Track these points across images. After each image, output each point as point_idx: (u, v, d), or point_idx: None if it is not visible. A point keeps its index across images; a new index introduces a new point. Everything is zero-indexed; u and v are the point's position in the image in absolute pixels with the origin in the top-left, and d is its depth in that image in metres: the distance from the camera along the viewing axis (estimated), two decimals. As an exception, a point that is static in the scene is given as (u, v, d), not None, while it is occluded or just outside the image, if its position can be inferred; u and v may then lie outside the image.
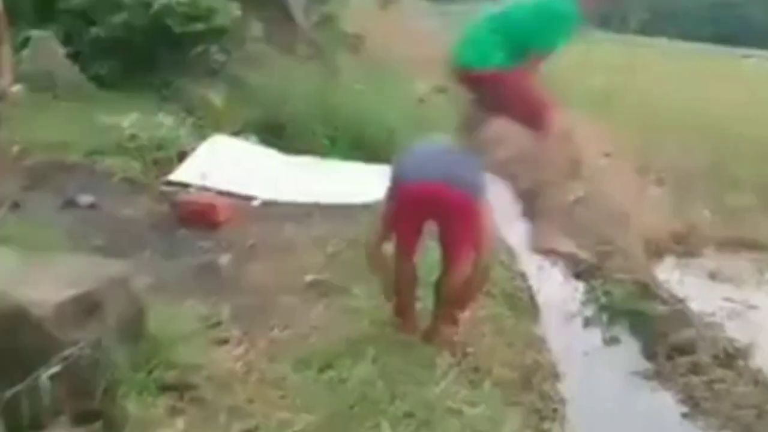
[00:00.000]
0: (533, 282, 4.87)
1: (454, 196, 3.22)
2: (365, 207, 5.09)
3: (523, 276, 4.93)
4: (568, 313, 4.46)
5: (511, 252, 5.30)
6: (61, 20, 7.84)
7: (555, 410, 3.27)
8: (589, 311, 4.48)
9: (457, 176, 3.25)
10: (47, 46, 7.55)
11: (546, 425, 3.11)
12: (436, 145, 3.53)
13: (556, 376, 3.65)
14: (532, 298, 4.60)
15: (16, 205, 4.50)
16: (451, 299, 3.47)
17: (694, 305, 4.59)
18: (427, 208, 3.31)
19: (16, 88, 5.09)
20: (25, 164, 5.45)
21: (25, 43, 7.44)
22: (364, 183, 5.75)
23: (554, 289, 4.84)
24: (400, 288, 3.52)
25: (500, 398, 3.16)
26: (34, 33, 7.51)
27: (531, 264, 5.23)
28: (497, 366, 3.43)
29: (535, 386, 3.41)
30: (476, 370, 3.35)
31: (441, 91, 11.57)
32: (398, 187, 3.35)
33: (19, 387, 2.32)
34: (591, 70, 11.48)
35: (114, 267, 3.03)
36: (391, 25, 16.45)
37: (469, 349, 3.50)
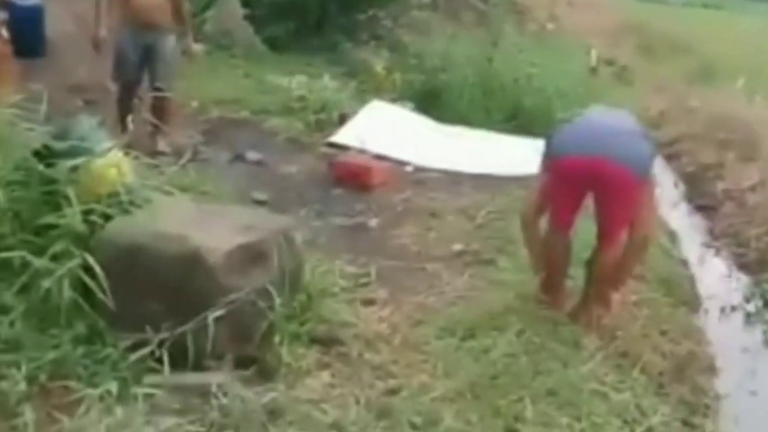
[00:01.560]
0: (694, 270, 4.60)
1: (613, 171, 3.09)
2: (515, 179, 5.03)
3: (684, 263, 4.67)
4: (729, 306, 4.18)
5: (672, 237, 5.03)
6: (244, -18, 8.31)
7: (707, 405, 3.10)
8: (752, 306, 4.17)
9: (619, 151, 3.10)
10: (229, 7, 8.05)
11: (696, 420, 2.95)
12: (599, 117, 3.38)
13: (712, 370, 3.46)
14: (692, 286, 4.35)
15: (196, 152, 4.89)
16: (604, 278, 3.36)
17: None
18: (585, 183, 3.21)
19: (198, 46, 5.51)
20: (201, 118, 5.89)
21: (210, 3, 7.98)
22: (516, 155, 5.68)
23: (716, 279, 4.55)
24: (552, 263, 3.44)
25: (649, 386, 3.05)
26: (220, -6, 8.03)
27: (693, 251, 4.94)
28: (648, 353, 3.29)
29: (687, 378, 3.24)
30: (625, 354, 3.23)
31: (609, 63, 11.09)
32: (556, 161, 3.26)
33: (186, 327, 2.52)
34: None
35: (279, 220, 3.23)
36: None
37: (619, 333, 3.38)
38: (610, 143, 3.12)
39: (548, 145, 3.34)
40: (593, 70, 6.37)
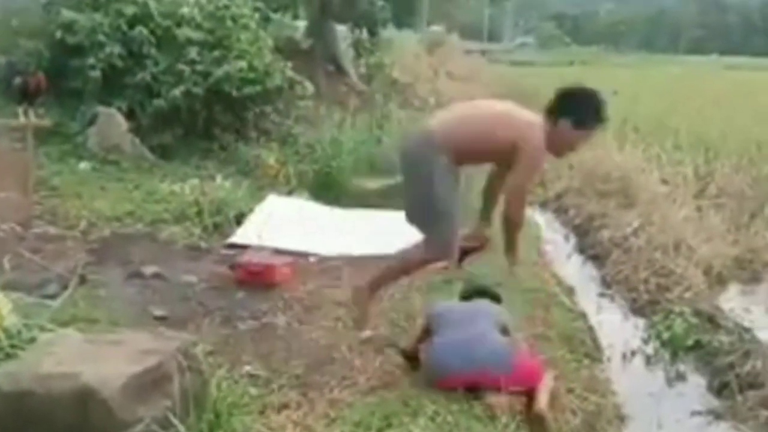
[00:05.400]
0: (593, 321, 4.79)
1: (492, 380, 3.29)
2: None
3: (583, 316, 4.85)
4: (629, 352, 4.36)
5: (570, 291, 5.23)
6: (126, 95, 8.30)
7: (620, 457, 3.20)
8: (650, 348, 4.37)
9: (487, 361, 3.32)
10: (112, 120, 7.98)
11: (612, 473, 3.04)
12: (458, 329, 3.53)
13: (620, 419, 3.58)
14: (592, 338, 4.52)
15: (83, 280, 4.71)
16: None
17: (763, 335, 4.42)
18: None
19: (82, 165, 5.39)
20: (91, 238, 5.74)
21: (93, 119, 7.90)
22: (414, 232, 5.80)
23: (614, 327, 4.74)
24: None
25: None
26: (101, 109, 7.96)
27: (590, 302, 5.14)
28: (558, 414, 3.38)
29: (599, 432, 3.35)
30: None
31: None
32: (436, 380, 3.46)
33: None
34: (642, 95, 11.34)
35: (179, 338, 3.14)
36: (439, 67, 16.70)
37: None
38: (474, 354, 3.33)
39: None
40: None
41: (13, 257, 4.76)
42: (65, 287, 3.95)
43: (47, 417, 2.52)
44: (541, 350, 3.91)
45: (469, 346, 3.37)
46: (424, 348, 3.62)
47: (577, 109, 3.46)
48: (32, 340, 2.82)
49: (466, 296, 3.87)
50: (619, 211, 6.67)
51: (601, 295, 5.39)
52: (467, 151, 3.55)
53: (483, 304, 3.72)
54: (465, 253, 4.10)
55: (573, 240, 6.86)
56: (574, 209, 7.38)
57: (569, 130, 3.47)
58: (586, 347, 4.23)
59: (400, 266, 4.07)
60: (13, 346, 2.71)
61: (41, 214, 5.96)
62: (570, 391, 3.59)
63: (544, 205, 7.53)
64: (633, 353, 4.35)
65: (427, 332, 3.65)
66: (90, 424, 2.52)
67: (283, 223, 6.28)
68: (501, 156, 3.56)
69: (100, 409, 2.51)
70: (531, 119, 3.51)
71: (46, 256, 5.04)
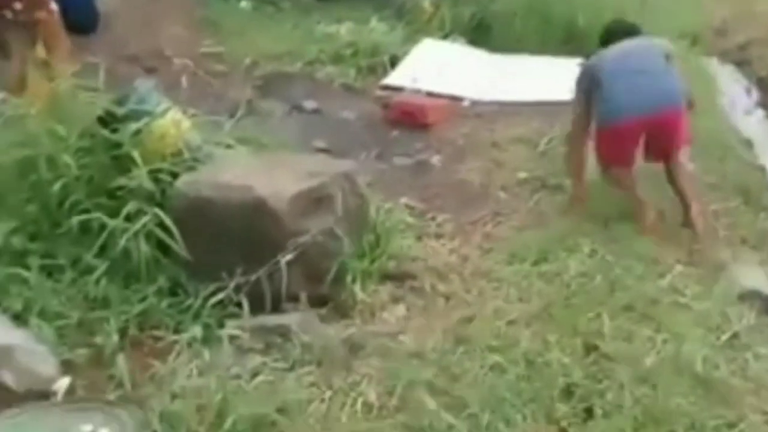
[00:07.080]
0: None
1: (670, 117, 3.22)
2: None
3: (762, 170, 4.48)
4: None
5: (747, 144, 4.83)
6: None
7: (795, 310, 3.01)
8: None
9: (666, 94, 3.22)
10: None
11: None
12: (632, 64, 3.38)
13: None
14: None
15: (250, 108, 4.92)
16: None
17: None
18: (641, 136, 3.33)
19: (243, 4, 5.47)
20: (255, 74, 5.93)
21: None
22: (572, 78, 5.49)
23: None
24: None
25: (733, 294, 2.97)
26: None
27: (770, 157, 4.73)
28: (730, 262, 3.21)
29: (774, 283, 3.15)
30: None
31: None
32: (611, 127, 3.33)
33: (261, 272, 2.59)
34: None
35: (340, 164, 3.26)
36: None
37: (697, 246, 3.31)
38: (654, 92, 3.24)
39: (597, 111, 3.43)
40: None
41: (185, 88, 5.03)
42: (233, 116, 4.13)
43: (223, 222, 2.72)
44: (714, 200, 3.68)
45: (645, 84, 3.27)
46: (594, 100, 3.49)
47: None
48: (210, 155, 2.99)
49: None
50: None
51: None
52: None
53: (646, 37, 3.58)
54: None
55: (756, 94, 6.23)
56: (758, 61, 6.63)
57: None
58: (764, 201, 3.93)
59: None
60: (194, 159, 2.89)
61: (207, 50, 6.19)
62: (743, 241, 3.38)
63: (724, 55, 6.84)
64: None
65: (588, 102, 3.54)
66: (261, 232, 2.70)
67: (438, 67, 6.14)
68: None
69: (270, 218, 2.68)
70: None
71: (214, 88, 5.29)
